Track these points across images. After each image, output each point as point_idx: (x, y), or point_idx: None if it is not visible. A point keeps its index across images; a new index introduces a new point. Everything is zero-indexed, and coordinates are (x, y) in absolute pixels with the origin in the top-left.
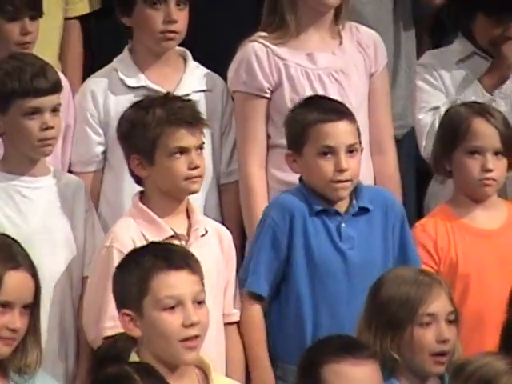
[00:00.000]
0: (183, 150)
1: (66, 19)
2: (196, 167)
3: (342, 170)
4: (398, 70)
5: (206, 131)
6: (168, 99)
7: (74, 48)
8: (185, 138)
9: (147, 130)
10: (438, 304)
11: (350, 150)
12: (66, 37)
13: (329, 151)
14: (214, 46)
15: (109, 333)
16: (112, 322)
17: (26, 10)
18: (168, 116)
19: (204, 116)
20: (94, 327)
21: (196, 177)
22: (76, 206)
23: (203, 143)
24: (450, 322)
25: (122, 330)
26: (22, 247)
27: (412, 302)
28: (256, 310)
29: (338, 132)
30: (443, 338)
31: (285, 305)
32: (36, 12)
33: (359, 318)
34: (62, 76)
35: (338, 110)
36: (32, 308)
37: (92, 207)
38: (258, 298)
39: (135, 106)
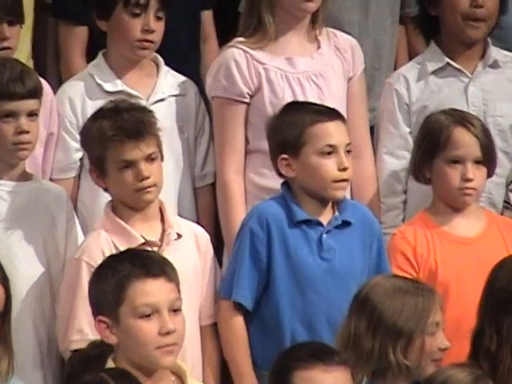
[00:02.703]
0: (129, 163)
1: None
2: (144, 178)
3: (344, 169)
4: (377, 73)
5: (180, 135)
6: (117, 111)
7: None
8: (129, 151)
9: (94, 143)
10: (440, 313)
11: (348, 150)
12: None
13: (331, 150)
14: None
15: (75, 346)
16: (79, 335)
17: (4, 15)
18: (110, 130)
19: (152, 125)
20: (63, 339)
21: (148, 187)
22: (57, 215)
23: (153, 153)
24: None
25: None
26: None
27: (420, 312)
28: (239, 322)
29: (338, 130)
30: (445, 346)
31: (264, 313)
32: (14, 17)
33: (352, 325)
34: (45, 84)
35: (332, 110)
36: (3, 317)
37: (74, 216)
38: (240, 309)
39: (93, 115)
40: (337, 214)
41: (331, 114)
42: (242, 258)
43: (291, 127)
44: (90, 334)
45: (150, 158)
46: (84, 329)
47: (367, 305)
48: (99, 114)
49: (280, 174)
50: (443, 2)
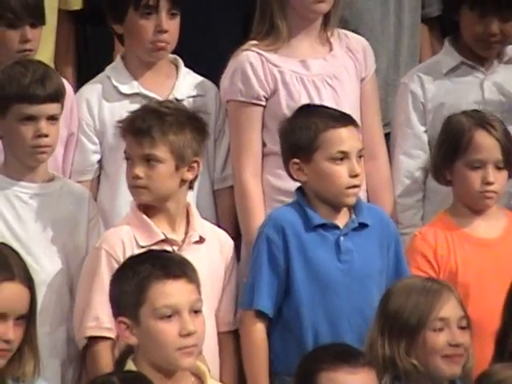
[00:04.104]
0: (129, 158)
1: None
2: (135, 177)
3: (356, 175)
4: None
5: None
6: (144, 109)
7: (64, 40)
8: (130, 146)
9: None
10: (449, 308)
11: (359, 155)
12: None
13: (343, 156)
14: (200, 53)
15: (90, 333)
16: (94, 322)
17: (27, 17)
18: (123, 124)
19: (164, 131)
20: (79, 327)
21: (138, 187)
22: (79, 215)
23: (150, 154)
24: (462, 328)
25: (103, 332)
26: (20, 258)
27: (422, 308)
28: (260, 329)
29: (350, 137)
30: (456, 342)
31: (286, 319)
32: (37, 19)
33: (370, 328)
34: (66, 84)
35: (345, 116)
36: (27, 319)
37: (97, 215)
38: (261, 316)
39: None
40: (353, 216)
41: (344, 119)
42: (261, 265)
43: (304, 131)
44: (106, 322)
45: (147, 158)
46: (100, 316)
47: (379, 307)
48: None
49: (292, 177)
50: (461, 19)
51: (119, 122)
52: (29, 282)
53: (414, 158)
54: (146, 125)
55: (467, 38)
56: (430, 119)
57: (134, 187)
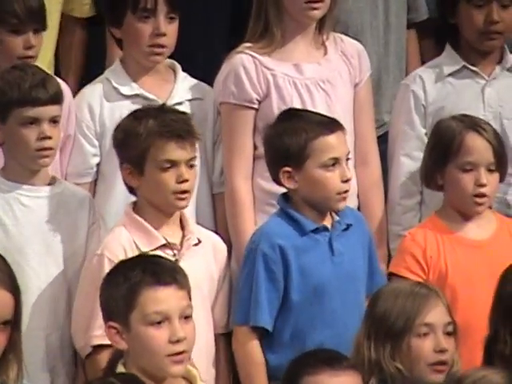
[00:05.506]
0: (172, 164)
1: (69, 21)
2: (184, 181)
3: (348, 180)
4: (388, 74)
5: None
6: (162, 111)
7: (76, 50)
8: (174, 151)
9: (138, 140)
10: (435, 314)
11: (347, 159)
12: (69, 39)
13: (334, 163)
14: (193, 58)
15: (97, 341)
16: (101, 331)
17: (31, 23)
18: (159, 128)
19: (196, 130)
20: (83, 335)
21: (184, 191)
22: (79, 220)
23: (194, 157)
24: (448, 333)
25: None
26: (5, 263)
27: (408, 313)
28: (257, 345)
29: (340, 142)
30: (441, 348)
31: (282, 328)
32: (40, 25)
33: (357, 331)
34: (64, 86)
35: (333, 122)
36: (12, 325)
37: (98, 220)
38: (257, 331)
39: (131, 115)
40: (336, 218)
41: (332, 125)
42: (258, 281)
43: (293, 139)
44: None
45: (190, 162)
46: None
47: (367, 310)
48: (141, 114)
49: (278, 183)
50: (460, 15)
51: (145, 131)
52: (13, 288)
53: (416, 159)
54: (186, 128)
55: (468, 35)
56: (430, 122)
57: (183, 192)
